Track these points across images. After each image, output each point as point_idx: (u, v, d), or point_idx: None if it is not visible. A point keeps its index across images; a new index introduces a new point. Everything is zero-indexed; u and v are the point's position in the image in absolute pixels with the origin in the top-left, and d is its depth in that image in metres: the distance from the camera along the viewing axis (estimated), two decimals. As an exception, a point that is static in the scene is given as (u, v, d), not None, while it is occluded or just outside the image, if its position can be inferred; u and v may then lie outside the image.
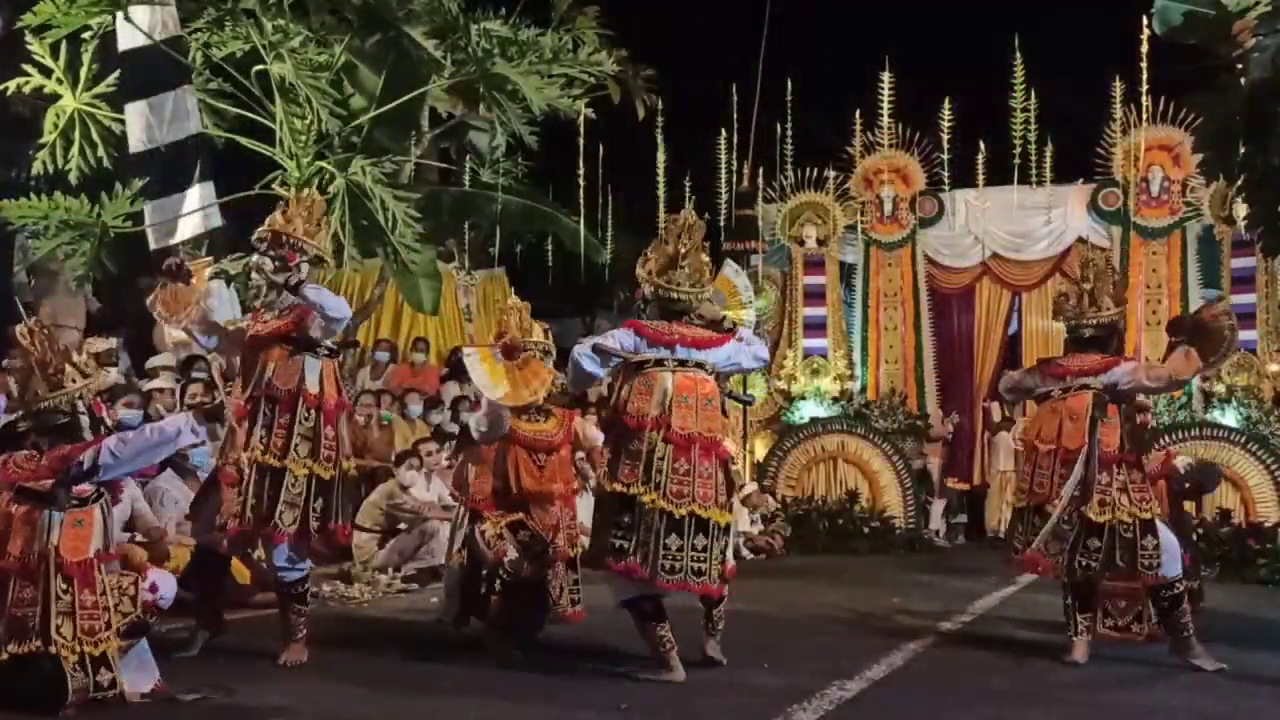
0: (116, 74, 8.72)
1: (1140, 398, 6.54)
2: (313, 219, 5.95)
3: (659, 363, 5.59)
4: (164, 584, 5.14)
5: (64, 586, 4.72)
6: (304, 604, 5.89)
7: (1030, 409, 7.29)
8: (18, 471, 4.85)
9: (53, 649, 4.64)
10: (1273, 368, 11.94)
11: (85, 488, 4.88)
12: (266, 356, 5.74)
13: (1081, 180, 13.14)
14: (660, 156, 13.26)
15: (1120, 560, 5.92)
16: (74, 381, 4.99)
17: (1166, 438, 10.63)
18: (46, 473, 4.83)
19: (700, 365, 5.65)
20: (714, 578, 5.52)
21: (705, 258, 5.85)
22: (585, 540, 6.97)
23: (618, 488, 5.49)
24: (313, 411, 5.71)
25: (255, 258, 5.88)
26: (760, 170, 13.71)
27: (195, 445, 5.72)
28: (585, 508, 8.61)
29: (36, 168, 8.81)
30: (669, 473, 5.45)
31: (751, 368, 6.23)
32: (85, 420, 5.01)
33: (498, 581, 6.24)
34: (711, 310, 5.87)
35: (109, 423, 5.31)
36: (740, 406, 8.01)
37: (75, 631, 4.70)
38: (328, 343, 5.84)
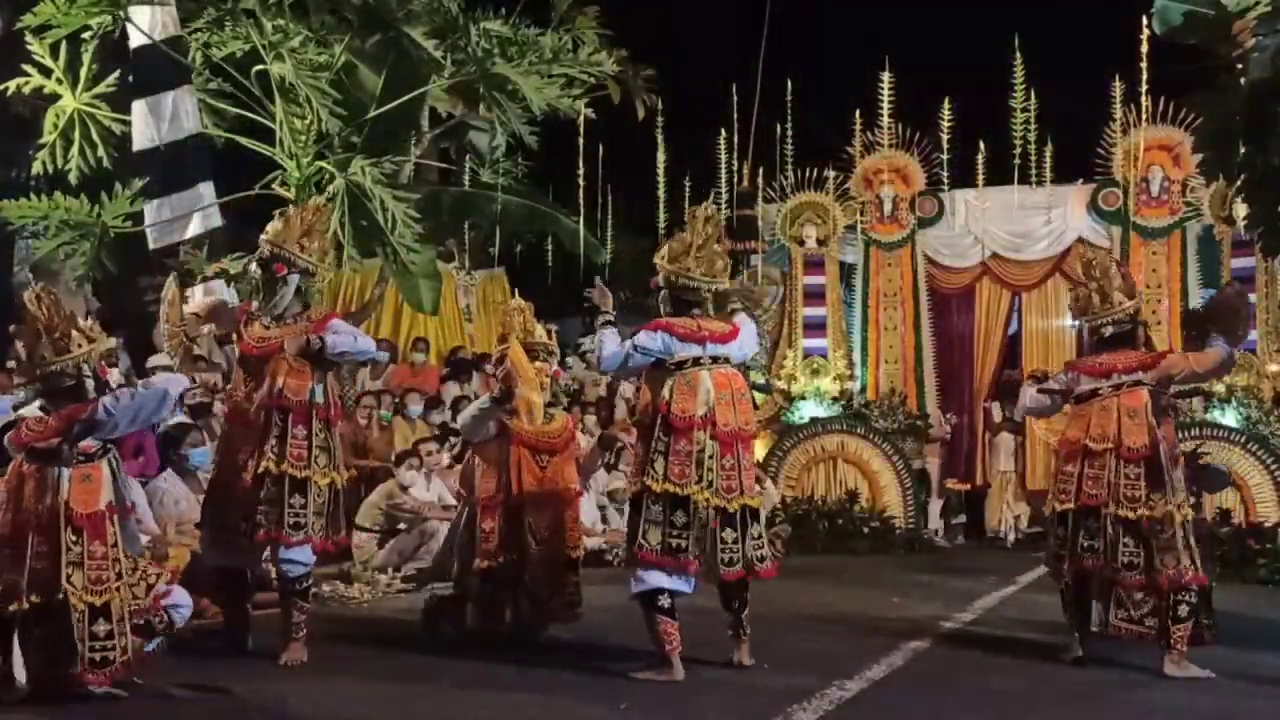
0: (116, 74, 8.73)
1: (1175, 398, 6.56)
2: (311, 230, 5.97)
3: (696, 361, 5.66)
4: (182, 600, 5.28)
5: (74, 538, 4.94)
6: (306, 601, 5.92)
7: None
8: (29, 434, 5.08)
9: (60, 596, 4.85)
10: (1273, 368, 11.92)
11: (90, 444, 5.08)
12: (276, 365, 5.77)
13: (1081, 180, 13.11)
14: (660, 156, 13.26)
15: (1160, 563, 5.81)
16: (80, 346, 5.18)
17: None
18: (53, 432, 5.05)
19: (727, 360, 5.76)
20: (768, 558, 5.77)
21: (721, 248, 5.88)
22: (587, 541, 6.99)
23: (670, 488, 5.55)
24: (323, 423, 5.82)
25: (253, 265, 5.98)
26: (760, 170, 13.69)
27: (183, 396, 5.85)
28: (586, 509, 8.63)
29: (36, 168, 8.82)
30: (718, 470, 5.59)
31: (753, 351, 6.28)
32: (91, 383, 5.20)
33: (491, 581, 6.27)
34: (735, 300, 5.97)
35: (113, 386, 5.47)
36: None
37: (84, 581, 4.91)
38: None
